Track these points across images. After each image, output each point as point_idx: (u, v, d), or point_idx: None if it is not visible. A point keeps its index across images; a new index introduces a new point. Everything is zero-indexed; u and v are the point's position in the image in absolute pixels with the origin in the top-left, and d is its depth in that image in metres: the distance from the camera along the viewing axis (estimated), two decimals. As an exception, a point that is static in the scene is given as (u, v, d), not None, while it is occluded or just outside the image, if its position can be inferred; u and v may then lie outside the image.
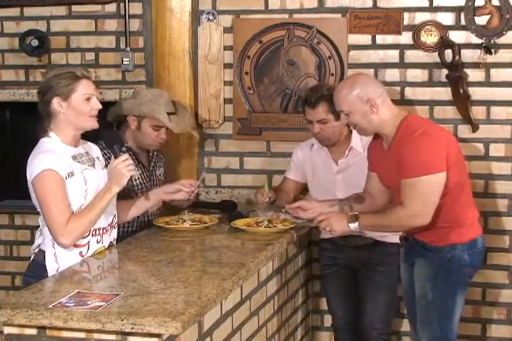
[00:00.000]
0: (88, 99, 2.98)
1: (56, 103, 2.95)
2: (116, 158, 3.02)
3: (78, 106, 2.96)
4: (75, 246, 2.95)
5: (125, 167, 2.96)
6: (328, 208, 3.47)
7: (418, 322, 3.39)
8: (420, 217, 3.14)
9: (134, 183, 3.55)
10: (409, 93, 4.10)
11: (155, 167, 3.79)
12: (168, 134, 3.73)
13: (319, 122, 3.71)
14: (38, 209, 2.99)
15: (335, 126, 3.71)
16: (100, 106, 3.03)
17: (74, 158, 2.99)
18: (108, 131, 3.52)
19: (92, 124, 3.02)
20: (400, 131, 3.21)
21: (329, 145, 3.82)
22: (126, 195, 3.30)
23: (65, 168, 2.91)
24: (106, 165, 3.14)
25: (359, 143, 3.80)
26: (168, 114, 3.68)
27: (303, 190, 4.04)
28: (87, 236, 2.97)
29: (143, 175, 3.66)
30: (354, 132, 3.82)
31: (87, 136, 3.15)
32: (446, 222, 3.22)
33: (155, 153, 3.80)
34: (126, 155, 3.03)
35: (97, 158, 3.17)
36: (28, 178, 2.93)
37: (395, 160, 3.18)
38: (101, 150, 3.26)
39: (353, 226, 3.27)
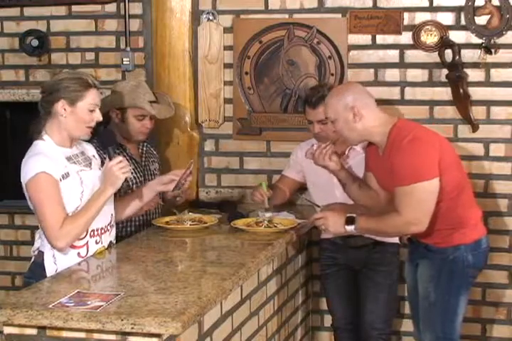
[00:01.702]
0: (91, 110, 2.98)
1: (61, 106, 2.93)
2: (110, 159, 3.01)
3: (81, 115, 2.95)
4: (73, 247, 2.95)
5: (120, 169, 2.95)
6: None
7: (421, 323, 3.39)
8: (416, 225, 3.13)
9: (128, 178, 3.53)
10: (409, 93, 4.10)
11: (147, 162, 3.78)
12: (153, 123, 3.73)
13: (319, 122, 3.71)
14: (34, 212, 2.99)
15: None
16: (101, 119, 3.02)
17: (69, 159, 2.98)
18: (103, 132, 3.52)
19: (85, 135, 3.02)
20: (390, 137, 3.20)
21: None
22: (120, 190, 3.27)
23: (60, 169, 2.90)
24: (102, 164, 3.14)
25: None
26: (150, 102, 3.69)
27: (299, 189, 4.05)
28: (84, 237, 2.96)
29: (136, 170, 3.64)
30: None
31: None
32: (448, 224, 3.22)
33: (144, 149, 3.80)
34: (120, 157, 3.02)
35: (93, 156, 3.16)
36: (22, 181, 2.92)
37: (389, 166, 3.18)
38: (95, 148, 3.25)
39: (349, 228, 3.26)
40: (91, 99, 2.96)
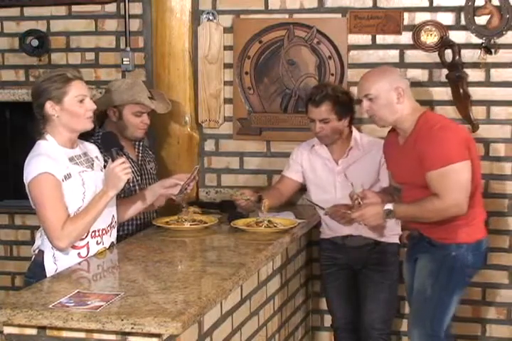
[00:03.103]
0: (81, 101, 2.97)
1: (49, 107, 2.93)
2: (113, 161, 3.01)
3: (72, 109, 2.94)
4: (73, 247, 2.95)
5: (122, 170, 2.95)
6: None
7: (411, 318, 3.39)
8: (457, 206, 3.15)
9: (128, 181, 3.51)
10: (409, 93, 4.10)
11: (143, 161, 3.78)
12: (149, 119, 3.74)
13: (321, 121, 3.71)
14: None
15: (336, 126, 3.72)
16: (94, 107, 3.01)
17: (71, 159, 2.98)
18: (105, 134, 3.51)
19: (86, 126, 3.01)
20: (418, 125, 3.25)
21: (328, 144, 3.82)
22: (121, 191, 3.26)
23: (62, 170, 2.90)
24: (104, 166, 3.14)
25: (359, 143, 3.81)
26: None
27: (299, 191, 4.05)
28: (85, 237, 2.97)
29: (133, 169, 3.63)
30: (354, 132, 3.84)
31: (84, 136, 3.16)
32: (456, 219, 3.23)
33: (140, 148, 3.79)
34: (123, 159, 3.01)
35: (96, 157, 3.16)
36: (24, 181, 2.92)
37: (412, 155, 3.20)
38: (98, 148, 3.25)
39: (390, 220, 3.36)
40: (75, 91, 2.95)
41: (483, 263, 3.40)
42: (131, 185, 3.59)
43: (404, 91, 3.25)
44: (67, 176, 2.92)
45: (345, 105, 3.75)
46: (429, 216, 3.24)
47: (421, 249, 3.37)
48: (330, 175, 3.84)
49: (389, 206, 3.27)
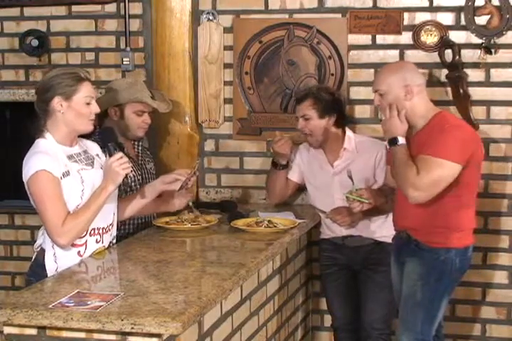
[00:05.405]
0: (88, 103, 2.99)
1: (57, 102, 2.94)
2: (111, 156, 3.01)
3: (78, 108, 2.96)
4: (73, 245, 2.95)
5: (120, 165, 2.95)
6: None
7: (400, 321, 3.38)
8: (419, 191, 3.13)
9: (128, 176, 3.52)
10: (409, 93, 4.10)
11: (143, 161, 3.78)
12: (151, 119, 3.75)
13: (303, 117, 3.75)
14: None
15: (318, 124, 3.73)
16: (98, 110, 3.04)
17: (70, 157, 2.99)
18: (103, 129, 3.51)
19: (87, 128, 3.02)
20: (431, 122, 3.26)
21: (316, 146, 3.82)
22: (120, 188, 3.25)
23: (60, 168, 2.91)
24: None
25: (352, 143, 3.81)
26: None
27: (298, 191, 4.05)
28: (84, 235, 2.97)
29: (134, 168, 3.63)
30: (348, 132, 3.84)
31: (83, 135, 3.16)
32: (449, 223, 3.23)
33: (140, 148, 3.79)
34: (120, 154, 3.02)
35: (97, 155, 3.16)
36: (23, 179, 2.93)
37: (418, 148, 3.20)
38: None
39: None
40: (85, 91, 2.97)
41: (467, 269, 3.39)
42: (132, 184, 3.59)
43: (413, 89, 3.25)
44: (66, 173, 2.92)
45: (328, 103, 3.75)
46: (398, 176, 3.23)
47: (409, 252, 3.35)
48: (326, 177, 3.84)
49: (402, 140, 3.24)
